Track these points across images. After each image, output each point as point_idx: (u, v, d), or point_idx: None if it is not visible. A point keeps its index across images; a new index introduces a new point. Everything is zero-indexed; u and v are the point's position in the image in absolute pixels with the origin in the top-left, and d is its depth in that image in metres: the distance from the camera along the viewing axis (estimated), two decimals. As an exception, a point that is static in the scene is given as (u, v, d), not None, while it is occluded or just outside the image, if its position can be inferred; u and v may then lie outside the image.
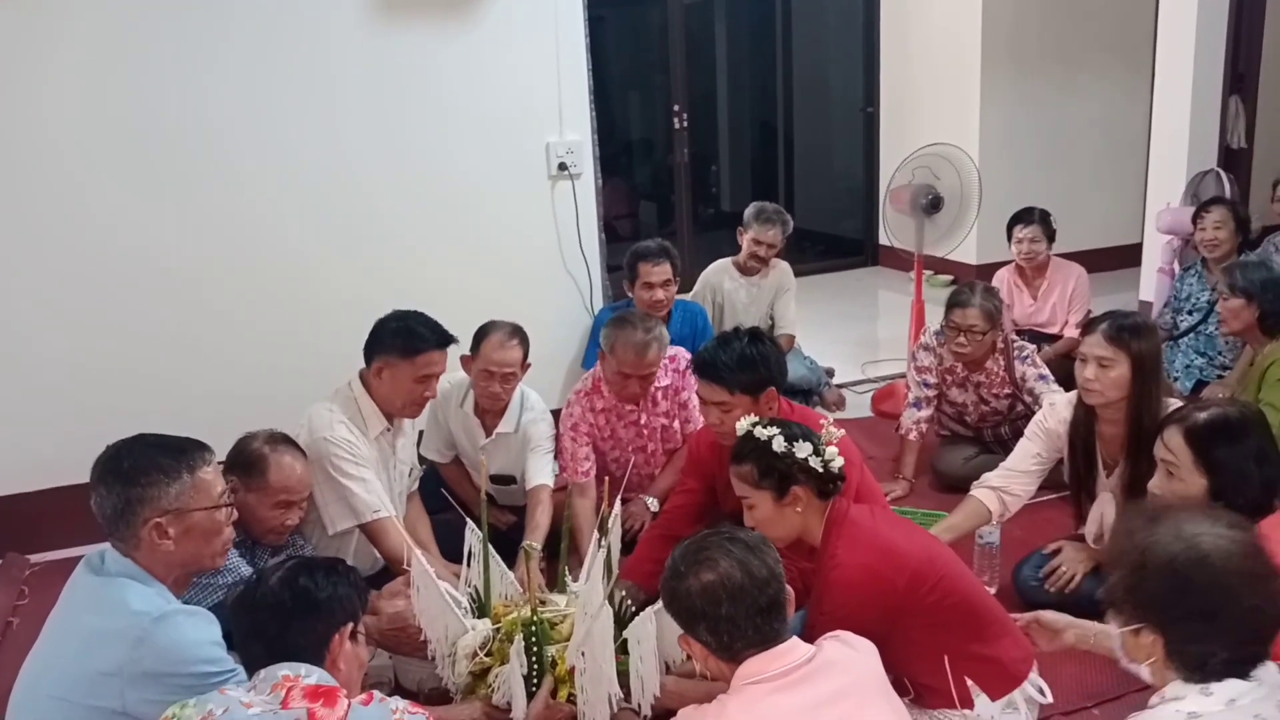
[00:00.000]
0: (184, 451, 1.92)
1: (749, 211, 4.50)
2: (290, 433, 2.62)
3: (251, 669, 1.64)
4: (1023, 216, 4.65)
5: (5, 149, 3.36)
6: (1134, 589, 1.53)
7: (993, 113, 6.45)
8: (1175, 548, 1.49)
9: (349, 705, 1.55)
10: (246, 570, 2.32)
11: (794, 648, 1.73)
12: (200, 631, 1.78)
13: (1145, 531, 1.55)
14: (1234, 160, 5.44)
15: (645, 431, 3.37)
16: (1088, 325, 2.83)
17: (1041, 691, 2.19)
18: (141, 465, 1.86)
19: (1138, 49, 6.30)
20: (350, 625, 1.72)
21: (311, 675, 1.59)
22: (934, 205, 4.41)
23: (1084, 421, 2.81)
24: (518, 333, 3.11)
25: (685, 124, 6.73)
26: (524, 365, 3.14)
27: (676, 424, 3.41)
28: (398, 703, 1.62)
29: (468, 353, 3.10)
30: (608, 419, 3.34)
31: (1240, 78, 5.39)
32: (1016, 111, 6.50)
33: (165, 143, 3.51)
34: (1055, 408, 2.91)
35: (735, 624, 1.70)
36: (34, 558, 3.48)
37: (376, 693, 1.62)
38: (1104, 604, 1.62)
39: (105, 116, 3.44)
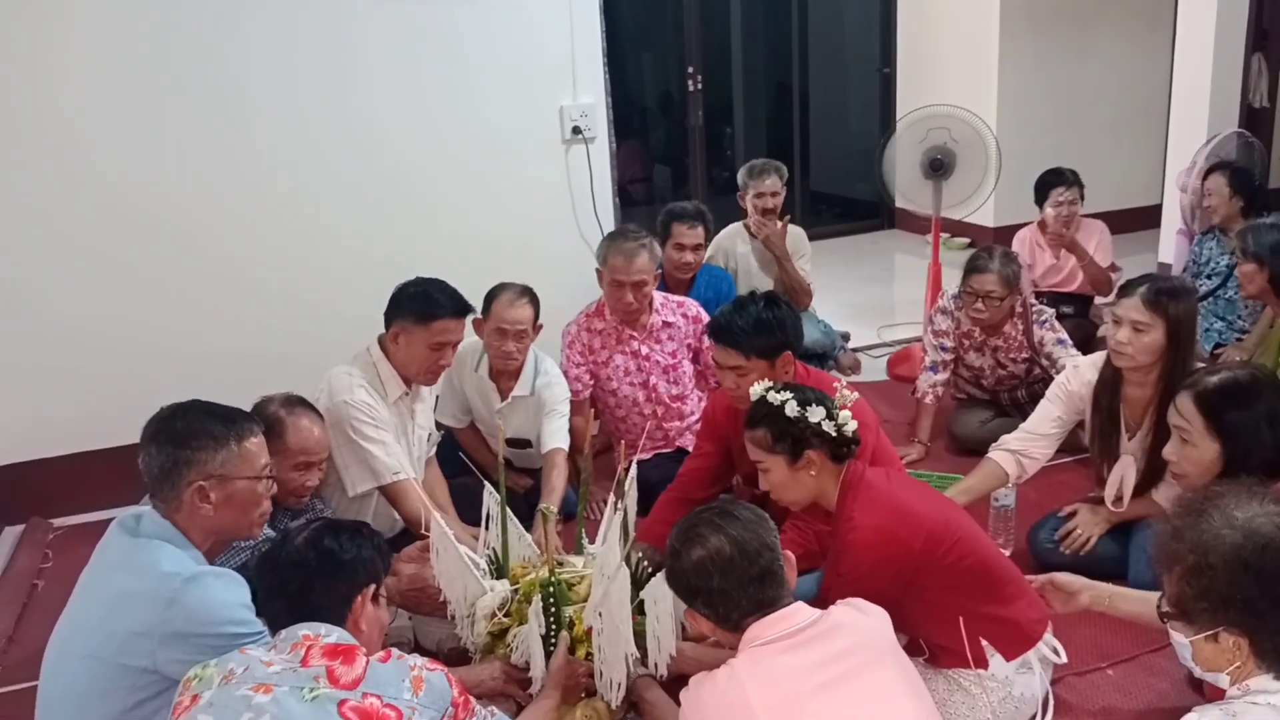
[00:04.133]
0: (234, 421, 1.99)
1: (741, 174, 4.51)
2: (310, 396, 2.64)
3: (274, 628, 1.67)
4: (1058, 177, 4.46)
5: (17, 110, 3.35)
6: (1207, 591, 1.43)
7: (1011, 73, 6.36)
8: (1235, 538, 1.42)
9: (368, 662, 1.57)
10: (268, 532, 2.34)
11: (797, 611, 1.75)
12: (230, 593, 1.81)
13: (1194, 529, 1.46)
14: (1256, 120, 5.35)
15: (645, 365, 3.41)
16: (1124, 287, 2.77)
17: (1056, 652, 2.20)
18: (193, 429, 1.93)
19: (1159, 6, 6.20)
20: (373, 587, 1.74)
21: (331, 634, 1.61)
22: (934, 167, 4.36)
23: (1110, 382, 2.78)
24: (527, 292, 3.14)
25: (700, 86, 6.67)
26: (536, 325, 3.16)
27: (686, 364, 3.46)
28: (416, 659, 1.64)
29: (479, 315, 3.11)
30: (604, 342, 3.43)
31: (1264, 35, 5.29)
32: (1035, 71, 6.41)
33: (182, 103, 3.51)
34: (1079, 370, 2.89)
35: (729, 595, 1.73)
36: (56, 522, 3.53)
37: (395, 650, 1.64)
38: (1166, 616, 1.51)
39: (119, 75, 3.43)
